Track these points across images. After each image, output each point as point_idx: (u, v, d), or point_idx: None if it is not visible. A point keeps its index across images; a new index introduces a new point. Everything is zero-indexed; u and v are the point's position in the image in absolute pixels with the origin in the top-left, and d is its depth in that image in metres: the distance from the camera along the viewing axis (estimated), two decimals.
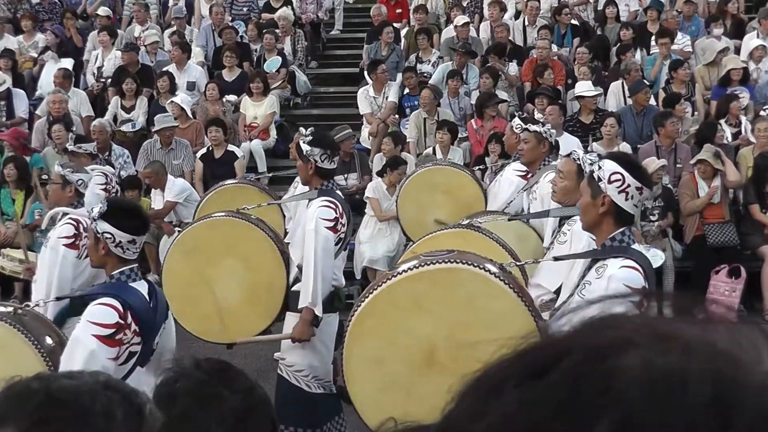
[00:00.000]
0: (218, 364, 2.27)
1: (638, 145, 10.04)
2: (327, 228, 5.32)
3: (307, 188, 5.73)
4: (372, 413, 4.02)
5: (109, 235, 3.97)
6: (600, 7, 13.36)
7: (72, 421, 1.41)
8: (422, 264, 4.00)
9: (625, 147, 9.88)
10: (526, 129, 6.67)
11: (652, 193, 9.04)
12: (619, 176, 3.83)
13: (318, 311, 5.25)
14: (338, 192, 5.66)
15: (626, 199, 3.84)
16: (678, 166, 9.65)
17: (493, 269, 3.97)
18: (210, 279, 5.74)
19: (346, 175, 10.41)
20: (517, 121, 7.36)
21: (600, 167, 3.87)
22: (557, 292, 4.59)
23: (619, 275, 3.69)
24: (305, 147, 5.50)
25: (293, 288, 5.52)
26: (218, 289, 5.79)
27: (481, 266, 3.95)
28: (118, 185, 7.54)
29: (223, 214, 6.09)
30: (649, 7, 12.86)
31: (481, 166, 9.35)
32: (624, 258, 3.77)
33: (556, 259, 4.32)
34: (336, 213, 5.39)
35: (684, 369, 0.61)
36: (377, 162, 10.24)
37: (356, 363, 4.05)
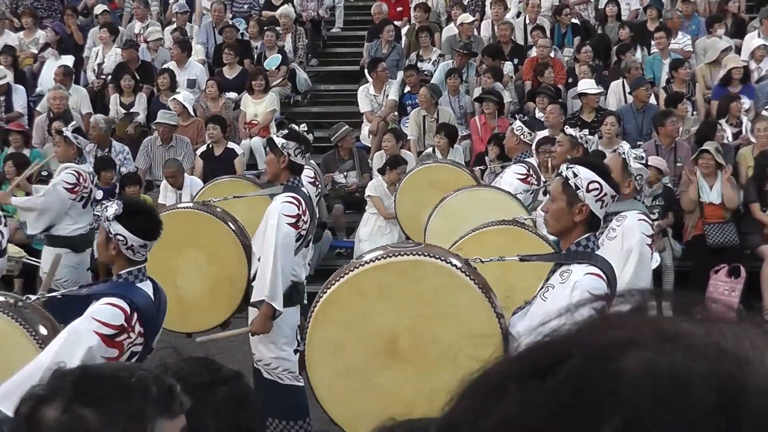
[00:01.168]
0: (201, 357, 2.30)
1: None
2: (288, 224, 5.42)
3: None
4: (329, 399, 4.08)
5: (121, 238, 3.96)
6: (600, 6, 13.34)
7: (112, 393, 1.50)
8: (389, 255, 4.04)
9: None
10: (563, 131, 6.69)
11: (652, 191, 9.04)
12: (596, 185, 3.86)
13: (278, 306, 5.35)
14: (303, 189, 5.74)
15: (601, 207, 3.89)
16: (678, 164, 9.64)
17: (459, 264, 4.00)
18: (171, 269, 5.78)
19: (345, 173, 10.41)
20: (518, 123, 7.40)
21: (575, 174, 3.88)
22: None
23: (583, 282, 3.71)
24: (280, 140, 5.63)
25: (254, 282, 5.60)
26: (179, 280, 5.83)
27: (447, 260, 3.98)
28: (93, 186, 7.55)
29: (187, 206, 6.14)
30: (648, 5, 12.84)
31: (481, 167, 9.35)
32: (588, 264, 3.79)
33: (521, 259, 4.32)
34: (299, 209, 5.49)
35: (688, 370, 0.61)
36: (377, 160, 10.23)
37: (316, 348, 4.07)
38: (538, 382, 0.63)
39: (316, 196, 7.32)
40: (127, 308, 3.82)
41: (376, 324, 3.97)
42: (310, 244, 6.09)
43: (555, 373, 0.63)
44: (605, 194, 3.87)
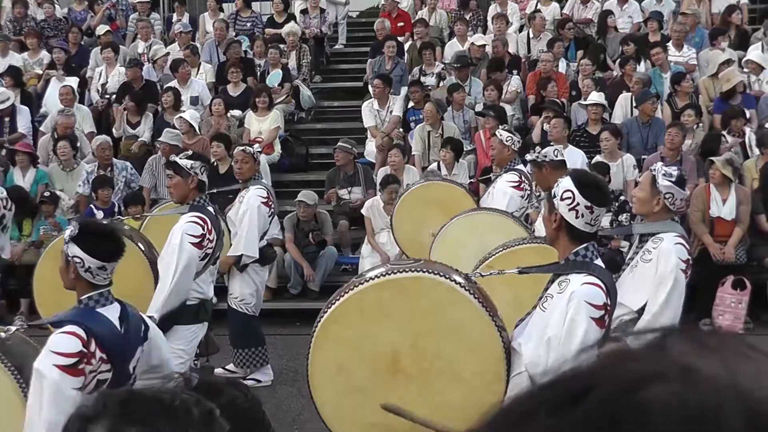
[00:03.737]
0: (202, 381, 2.27)
1: (643, 156, 10.02)
2: (191, 243, 5.52)
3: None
4: (334, 419, 4.06)
5: (78, 260, 3.83)
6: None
7: (155, 413, 1.58)
8: (389, 272, 4.05)
9: (629, 159, 9.88)
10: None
11: None
12: (569, 194, 3.86)
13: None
14: (210, 208, 5.85)
15: (576, 217, 3.86)
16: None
17: (459, 279, 4.01)
18: None
19: (349, 189, 10.42)
20: (506, 134, 7.46)
21: (557, 183, 3.94)
22: (640, 311, 4.59)
23: (581, 292, 3.71)
24: (186, 162, 5.76)
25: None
26: None
27: (447, 276, 3.99)
28: (6, 208, 7.33)
29: None
30: (648, 18, 12.86)
31: (488, 176, 9.36)
32: (586, 274, 3.79)
33: (521, 271, 4.32)
34: (203, 229, 5.58)
35: (718, 404, 0.62)
36: (381, 176, 10.23)
37: (319, 368, 4.07)
38: (568, 410, 0.64)
39: (269, 216, 7.36)
40: (83, 334, 3.68)
41: (378, 342, 3.97)
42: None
43: (584, 401, 0.64)
44: (578, 204, 3.84)
